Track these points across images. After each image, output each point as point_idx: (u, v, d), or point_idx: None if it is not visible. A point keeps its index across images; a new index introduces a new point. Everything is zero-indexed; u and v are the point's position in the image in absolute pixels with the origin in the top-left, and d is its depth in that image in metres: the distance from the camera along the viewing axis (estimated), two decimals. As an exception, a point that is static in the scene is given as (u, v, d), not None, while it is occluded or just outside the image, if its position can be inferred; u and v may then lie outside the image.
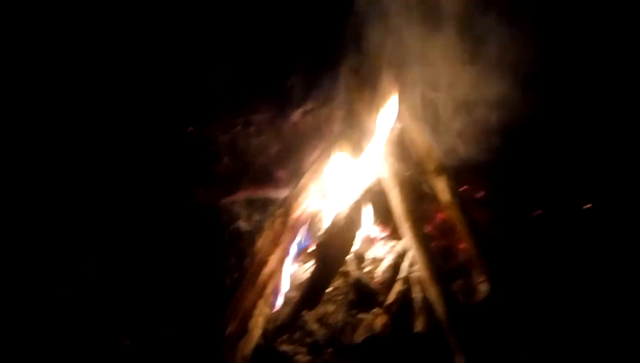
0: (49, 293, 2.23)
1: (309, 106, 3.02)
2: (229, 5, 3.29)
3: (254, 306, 2.08)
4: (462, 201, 2.33)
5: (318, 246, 2.25)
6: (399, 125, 2.60)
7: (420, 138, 2.54)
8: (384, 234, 2.50)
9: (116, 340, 2.04)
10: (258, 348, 1.98)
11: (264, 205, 2.70)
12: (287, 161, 2.89)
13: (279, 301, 2.18)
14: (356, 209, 2.39)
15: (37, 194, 2.65)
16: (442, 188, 2.36)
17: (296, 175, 2.76)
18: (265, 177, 2.84)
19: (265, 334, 2.05)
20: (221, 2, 3.30)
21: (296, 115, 3.01)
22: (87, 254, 2.40)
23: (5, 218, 2.51)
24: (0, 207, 2.55)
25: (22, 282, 2.28)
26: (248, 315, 2.05)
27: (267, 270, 2.18)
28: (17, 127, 2.87)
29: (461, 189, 2.48)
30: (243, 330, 2.00)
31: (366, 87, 2.63)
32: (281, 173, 2.84)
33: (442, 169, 2.39)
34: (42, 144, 2.86)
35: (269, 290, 2.16)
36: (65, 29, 3.13)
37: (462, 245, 2.36)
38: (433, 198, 2.45)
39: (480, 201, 2.58)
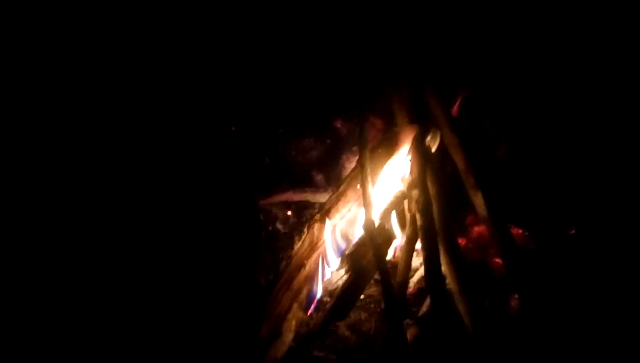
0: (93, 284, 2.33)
1: (350, 112, 3.05)
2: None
3: (288, 309, 2.14)
4: (499, 218, 2.34)
5: (350, 254, 2.29)
6: (438, 138, 2.62)
7: (459, 151, 2.55)
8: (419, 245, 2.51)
9: (150, 337, 2.12)
10: (290, 351, 2.04)
11: (301, 209, 2.76)
12: (326, 165, 2.93)
13: (313, 306, 2.24)
14: (390, 219, 2.43)
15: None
16: (479, 203, 2.36)
17: (334, 180, 2.83)
18: (304, 180, 2.89)
19: (297, 338, 2.10)
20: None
21: (337, 121, 3.04)
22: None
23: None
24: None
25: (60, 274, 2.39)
26: (282, 317, 2.11)
27: (303, 273, 2.24)
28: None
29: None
30: (276, 332, 2.06)
31: (407, 99, 2.66)
32: (319, 178, 2.89)
33: (480, 184, 2.39)
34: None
35: (303, 294, 2.22)
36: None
37: (497, 261, 2.37)
38: (470, 211, 2.47)
39: (517, 219, 2.58)
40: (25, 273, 2.32)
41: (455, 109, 2.83)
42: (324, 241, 2.36)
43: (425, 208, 2.25)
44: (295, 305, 2.15)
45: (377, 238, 2.25)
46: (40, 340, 2.10)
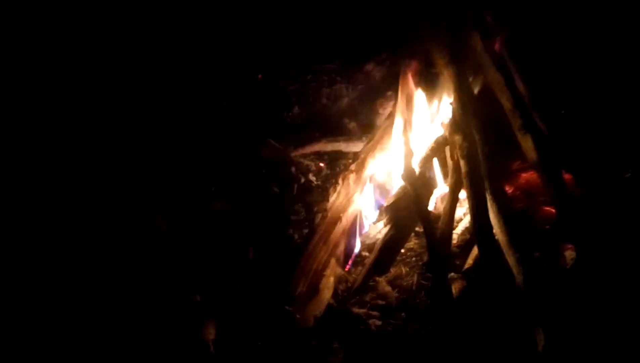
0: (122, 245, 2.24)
1: (382, 55, 2.87)
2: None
3: (325, 265, 2.03)
4: (551, 163, 2.16)
5: (390, 206, 2.15)
6: (481, 78, 2.43)
7: (505, 91, 2.36)
8: (463, 194, 2.36)
9: (186, 295, 2.03)
10: (329, 309, 1.93)
11: (334, 159, 2.63)
12: (358, 113, 2.78)
13: (350, 261, 2.12)
14: (431, 167, 2.28)
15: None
16: (528, 147, 2.18)
17: (368, 128, 2.67)
18: (336, 129, 2.75)
19: (336, 295, 1.99)
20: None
21: (369, 65, 2.86)
22: (156, 206, 2.40)
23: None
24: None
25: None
26: (319, 274, 2.01)
27: (339, 227, 2.12)
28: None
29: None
30: (313, 289, 1.96)
31: (447, 38, 2.46)
32: (352, 126, 2.74)
33: (528, 127, 2.21)
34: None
35: (341, 248, 2.11)
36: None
37: (547, 208, 2.20)
38: (516, 157, 2.30)
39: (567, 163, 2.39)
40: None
41: (498, 46, 2.61)
42: (360, 193, 2.23)
43: (470, 154, 2.09)
44: (332, 261, 2.04)
45: (417, 188, 2.11)
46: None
